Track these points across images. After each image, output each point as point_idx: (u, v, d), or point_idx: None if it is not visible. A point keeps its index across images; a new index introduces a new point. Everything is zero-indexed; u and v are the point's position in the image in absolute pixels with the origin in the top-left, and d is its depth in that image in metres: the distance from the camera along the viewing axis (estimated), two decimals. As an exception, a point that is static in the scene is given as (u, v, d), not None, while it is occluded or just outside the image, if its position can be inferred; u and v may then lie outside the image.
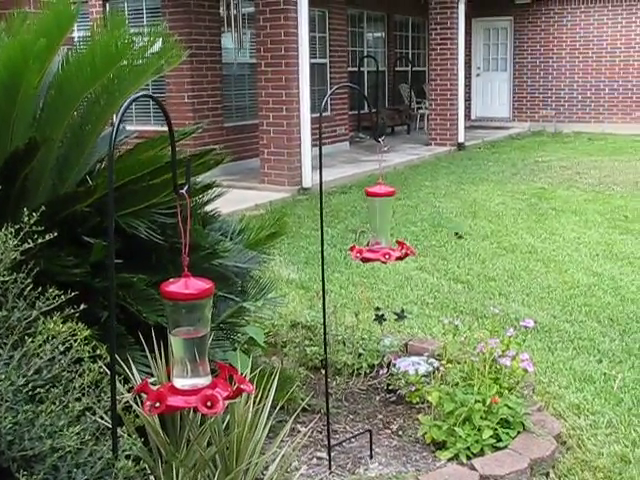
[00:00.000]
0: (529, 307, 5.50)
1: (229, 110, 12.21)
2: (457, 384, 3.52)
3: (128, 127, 4.08)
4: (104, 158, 3.03)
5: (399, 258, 2.97)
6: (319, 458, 3.31)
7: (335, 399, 3.82)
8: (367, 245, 3.04)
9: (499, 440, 3.31)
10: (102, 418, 2.19)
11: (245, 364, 2.84)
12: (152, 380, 2.38)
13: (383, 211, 3.05)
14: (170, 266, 2.72)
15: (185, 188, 2.03)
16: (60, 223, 2.57)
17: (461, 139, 14.77)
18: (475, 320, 5.16)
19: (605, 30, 17.88)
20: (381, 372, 3.97)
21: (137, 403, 2.40)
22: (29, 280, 2.16)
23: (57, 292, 2.16)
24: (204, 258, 2.92)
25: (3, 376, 1.91)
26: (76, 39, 6.87)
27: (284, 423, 2.87)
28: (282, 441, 2.76)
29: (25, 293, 2.14)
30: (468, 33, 17.73)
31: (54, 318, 2.11)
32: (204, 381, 2.00)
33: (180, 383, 2.00)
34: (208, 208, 3.32)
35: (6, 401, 1.90)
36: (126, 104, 2.00)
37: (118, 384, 2.37)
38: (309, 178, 10.42)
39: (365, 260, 3.01)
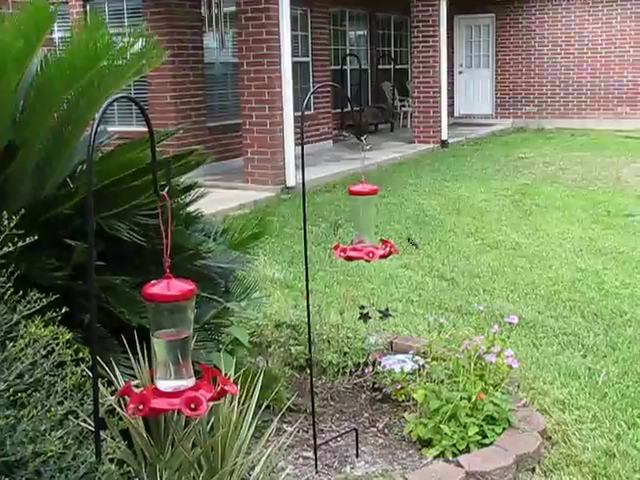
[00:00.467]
0: (514, 303, 5.52)
1: (212, 110, 12.17)
2: (442, 381, 3.53)
3: (110, 128, 4.05)
4: (85, 160, 3.01)
5: (383, 256, 2.97)
6: (305, 457, 3.30)
7: (321, 398, 3.82)
8: (351, 243, 3.04)
9: (485, 437, 3.32)
10: (85, 422, 2.18)
11: (229, 365, 2.84)
12: (135, 383, 2.37)
13: (366, 210, 3.05)
14: (153, 268, 2.70)
15: (166, 189, 2.02)
16: (41, 226, 2.54)
17: (444, 136, 14.80)
18: (460, 317, 5.17)
19: (586, 27, 17.98)
20: (366, 370, 3.97)
21: (121, 406, 2.39)
22: (10, 284, 2.14)
23: (38, 295, 2.15)
24: (187, 259, 2.90)
25: (-16, 381, 1.90)
26: (56, 40, 6.82)
27: (270, 423, 2.86)
28: (268, 441, 2.75)
29: (6, 297, 2.12)
30: (450, 30, 17.74)
31: (36, 322, 2.10)
32: (187, 383, 1.99)
33: (163, 385, 1.99)
34: (191, 209, 3.30)
35: (-13, 406, 1.88)
36: (104, 105, 1.99)
37: (101, 387, 2.35)
38: (293, 177, 10.41)
39: (349, 259, 3.02)
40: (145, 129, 2.14)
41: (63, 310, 2.20)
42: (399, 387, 3.69)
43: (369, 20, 17.56)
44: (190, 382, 1.99)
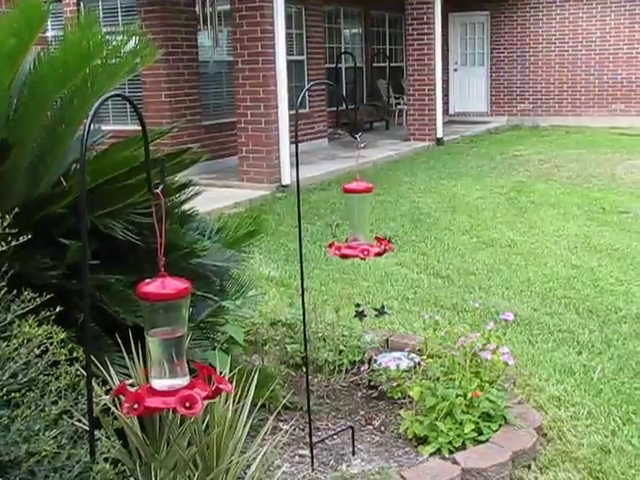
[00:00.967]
0: (509, 300, 5.52)
1: (207, 108, 12.16)
2: (438, 379, 3.52)
3: (105, 127, 4.04)
4: (79, 159, 3.00)
5: (378, 254, 2.97)
6: (301, 456, 3.30)
7: (316, 396, 3.82)
8: (346, 241, 3.03)
9: (481, 434, 3.32)
10: (80, 421, 2.17)
11: (224, 363, 2.83)
12: (130, 382, 2.36)
13: (361, 207, 3.05)
14: (148, 266, 2.69)
15: (160, 188, 2.02)
16: (35, 225, 2.54)
17: (440, 134, 14.80)
18: (455, 314, 5.17)
19: (580, 24, 18.00)
20: (362, 368, 3.97)
21: (116, 405, 2.38)
22: (3, 283, 2.13)
23: (32, 294, 2.14)
24: (182, 257, 2.90)
25: (-22, 381, 1.89)
26: (50, 38, 6.80)
27: (265, 421, 2.86)
28: (263, 439, 2.75)
29: (-1, 296, 2.12)
30: (445, 28, 17.77)
31: (30, 321, 2.09)
32: (182, 381, 1.99)
33: (158, 384, 1.98)
34: (186, 207, 3.30)
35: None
36: (97, 104, 1.98)
37: (96, 386, 2.35)
38: (288, 175, 10.40)
39: (344, 256, 3.01)
40: (140, 128, 2.14)
41: (57, 309, 2.19)
42: (395, 385, 3.69)
43: (364, 18, 17.55)
44: (185, 381, 1.99)
